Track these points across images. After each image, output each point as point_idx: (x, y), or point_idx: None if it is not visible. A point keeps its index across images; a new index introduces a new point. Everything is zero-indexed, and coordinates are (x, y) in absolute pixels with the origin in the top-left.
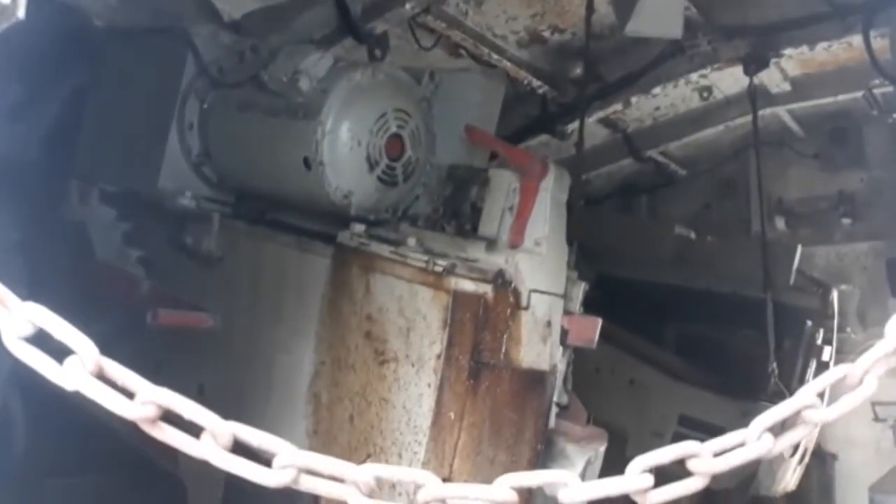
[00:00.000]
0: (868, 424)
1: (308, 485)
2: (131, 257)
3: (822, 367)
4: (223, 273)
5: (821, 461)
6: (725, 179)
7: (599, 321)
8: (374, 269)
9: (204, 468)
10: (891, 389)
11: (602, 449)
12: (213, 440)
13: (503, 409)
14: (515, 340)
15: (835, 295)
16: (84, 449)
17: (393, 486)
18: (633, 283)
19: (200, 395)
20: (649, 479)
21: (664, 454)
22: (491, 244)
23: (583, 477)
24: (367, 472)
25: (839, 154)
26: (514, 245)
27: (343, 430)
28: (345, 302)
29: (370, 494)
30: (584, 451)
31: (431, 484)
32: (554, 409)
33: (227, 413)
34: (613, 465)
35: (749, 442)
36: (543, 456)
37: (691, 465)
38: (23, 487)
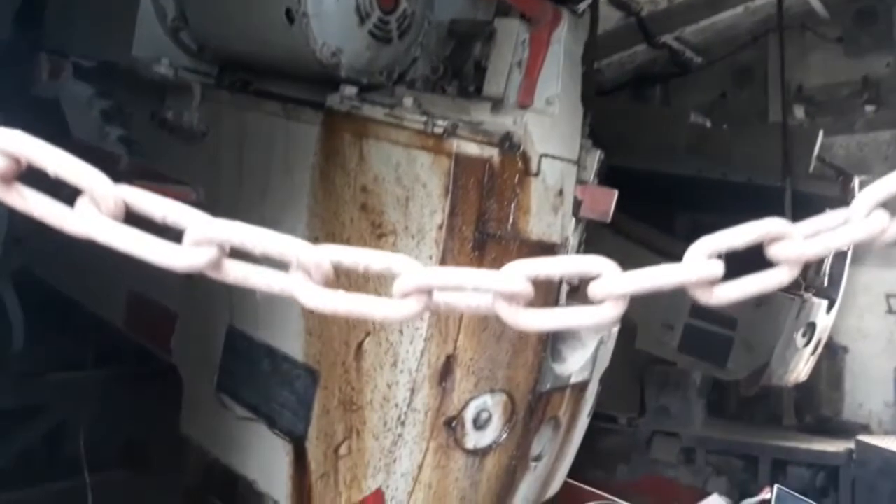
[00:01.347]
0: (881, 317)
1: (235, 273)
2: (111, 136)
3: (840, 257)
4: (207, 148)
5: (832, 353)
6: (743, 67)
7: (615, 193)
8: (368, 134)
9: (198, 354)
10: None
11: (615, 330)
12: (93, 206)
13: None
14: (524, 210)
15: (856, 182)
16: (83, 344)
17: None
18: (646, 174)
19: (189, 278)
20: (717, 268)
21: (739, 235)
22: (497, 104)
23: (595, 358)
24: (323, 254)
25: (865, 37)
26: (524, 105)
27: None
28: (337, 172)
29: (325, 284)
30: (595, 332)
31: (410, 271)
32: (565, 288)
33: (218, 295)
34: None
35: (855, 219)
36: (554, 337)
37: (776, 250)
38: (22, 382)
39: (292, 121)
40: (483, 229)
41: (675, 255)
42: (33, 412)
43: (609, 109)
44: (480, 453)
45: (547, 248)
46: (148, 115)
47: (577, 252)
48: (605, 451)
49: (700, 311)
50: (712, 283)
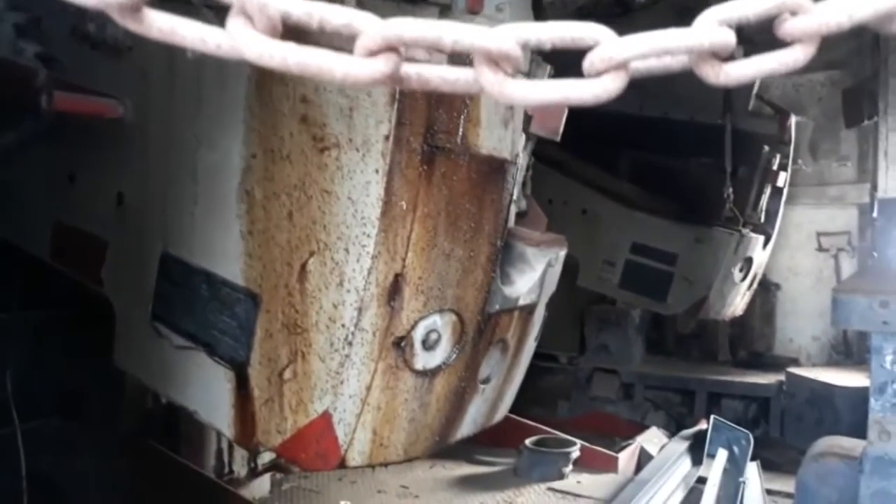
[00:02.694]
0: (811, 254)
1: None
2: (27, 53)
3: (777, 193)
4: (134, 63)
5: (765, 290)
6: (685, 7)
7: (565, 110)
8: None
9: (130, 284)
10: (836, 220)
11: (562, 253)
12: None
13: (460, 200)
14: (474, 122)
15: (793, 120)
16: (9, 285)
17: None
18: (588, 112)
19: (120, 205)
20: (728, 36)
21: (754, 4)
22: (444, 10)
23: (542, 281)
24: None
25: None
26: (473, 10)
27: (282, 228)
28: (274, 83)
29: (271, 33)
30: (544, 254)
31: (376, 26)
32: (513, 209)
33: (150, 221)
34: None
35: None
36: (502, 260)
37: (789, 26)
38: None
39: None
40: (432, 142)
41: (620, 194)
42: None
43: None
44: (429, 374)
45: (497, 164)
46: (68, 30)
47: (526, 174)
48: (547, 389)
49: (640, 247)
50: (722, 54)
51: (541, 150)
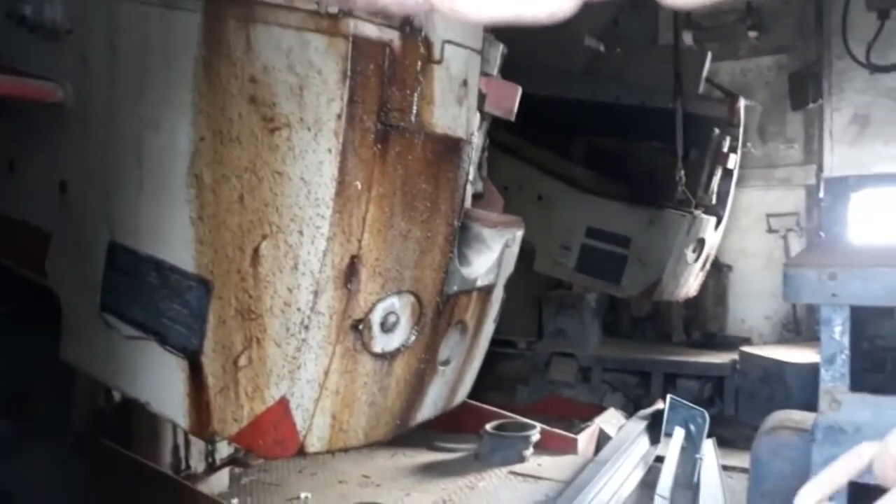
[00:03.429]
0: (761, 236)
1: None
2: None
3: (728, 175)
4: (74, 46)
5: (717, 271)
6: None
7: (519, 89)
8: (255, 18)
9: (76, 275)
10: (784, 202)
11: (519, 234)
12: None
13: (416, 179)
14: (428, 100)
15: (742, 103)
16: None
17: None
18: (542, 98)
19: (63, 193)
20: None
21: None
22: None
23: (500, 262)
24: None
25: None
26: None
27: (233, 211)
28: (222, 63)
29: None
30: (501, 235)
31: None
32: (470, 189)
33: (95, 209)
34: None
35: None
36: (460, 242)
37: None
38: None
39: (170, 9)
40: (385, 120)
41: (574, 179)
42: None
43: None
44: (389, 357)
45: (452, 144)
46: (3, 13)
47: (482, 155)
48: (506, 374)
49: (595, 231)
50: None
51: (496, 136)
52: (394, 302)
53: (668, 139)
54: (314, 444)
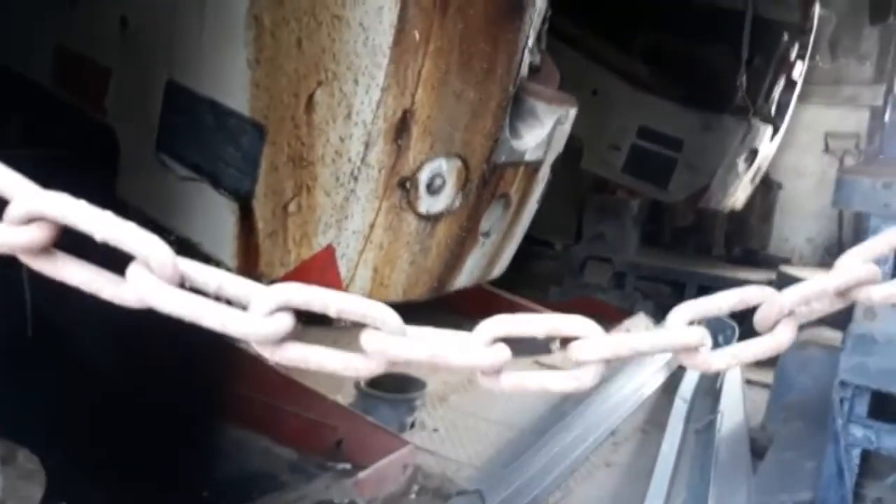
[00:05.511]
0: (817, 156)
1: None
2: None
3: (791, 85)
4: None
5: (766, 187)
6: None
7: None
8: None
9: (135, 113)
10: (846, 121)
11: (573, 112)
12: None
13: (475, 37)
14: None
15: (816, 8)
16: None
17: None
18: None
19: (124, 29)
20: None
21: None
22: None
23: (550, 138)
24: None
25: None
26: None
27: (290, 56)
28: None
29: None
30: (554, 110)
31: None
32: (527, 57)
33: (155, 47)
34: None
35: None
36: (512, 114)
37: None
38: None
39: None
40: None
41: (633, 75)
42: None
43: None
44: (432, 219)
45: (515, 3)
46: None
47: (542, 27)
48: (540, 273)
49: (647, 131)
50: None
51: (556, 24)
52: (441, 164)
53: (735, 42)
54: (356, 294)
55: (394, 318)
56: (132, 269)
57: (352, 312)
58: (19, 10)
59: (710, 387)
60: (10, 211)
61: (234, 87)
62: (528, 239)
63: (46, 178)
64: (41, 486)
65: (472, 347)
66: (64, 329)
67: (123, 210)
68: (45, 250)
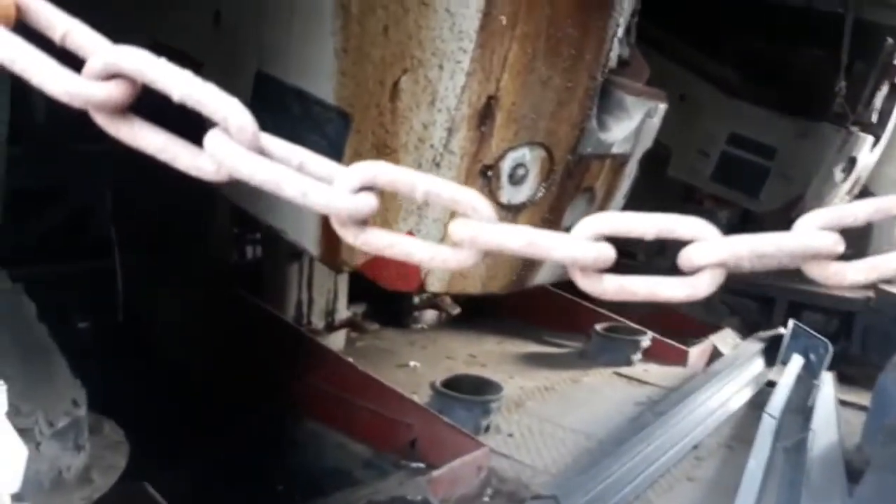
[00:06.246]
0: None
1: None
2: None
3: (894, 91)
4: None
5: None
6: None
7: None
8: None
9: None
10: None
11: (662, 107)
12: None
13: (563, 22)
14: None
15: None
16: None
17: None
18: None
19: (217, 23)
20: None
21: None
22: None
23: (638, 133)
24: None
25: None
26: None
27: (376, 44)
28: None
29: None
30: (643, 103)
31: None
32: (616, 48)
33: (245, 38)
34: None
35: None
36: (599, 107)
37: None
38: (46, 150)
39: None
40: None
41: (723, 80)
42: (57, 190)
43: None
44: (514, 210)
45: None
46: None
47: (632, 19)
48: None
49: (738, 138)
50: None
51: (645, 31)
52: (525, 153)
53: (831, 46)
54: (434, 283)
55: (485, 204)
56: (211, 135)
57: (439, 195)
58: (117, 7)
59: (801, 405)
60: (89, 65)
61: (320, 75)
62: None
63: (137, 172)
64: (125, 456)
65: (574, 241)
66: (150, 319)
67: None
68: (121, 112)
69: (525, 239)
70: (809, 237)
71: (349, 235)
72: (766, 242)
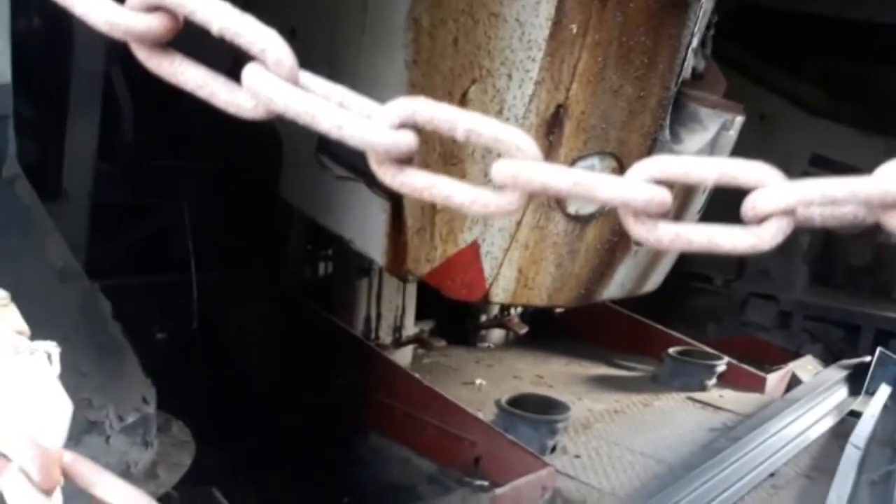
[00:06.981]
0: None
1: None
2: None
3: None
4: None
5: None
6: None
7: None
8: None
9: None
10: None
11: (740, 120)
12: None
13: (635, 30)
14: None
15: None
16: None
17: None
18: (776, 12)
19: (293, 39)
20: None
21: None
22: None
23: (714, 145)
24: None
25: None
26: None
27: (446, 55)
28: None
29: None
30: (718, 115)
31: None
32: (691, 58)
33: (319, 52)
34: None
35: None
36: (672, 118)
37: None
38: (131, 167)
39: None
40: None
41: (803, 99)
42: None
43: None
44: (582, 221)
45: None
46: None
47: (707, 32)
48: (698, 310)
49: (821, 159)
50: None
51: (721, 50)
52: (594, 163)
53: None
54: (499, 294)
55: (529, 143)
56: (248, 69)
57: (480, 133)
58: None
59: (889, 437)
60: None
61: (390, 87)
62: (685, 273)
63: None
64: (191, 455)
65: (625, 181)
66: (225, 331)
67: None
68: (162, 47)
69: (571, 179)
70: (892, 181)
71: (387, 175)
72: (839, 187)
